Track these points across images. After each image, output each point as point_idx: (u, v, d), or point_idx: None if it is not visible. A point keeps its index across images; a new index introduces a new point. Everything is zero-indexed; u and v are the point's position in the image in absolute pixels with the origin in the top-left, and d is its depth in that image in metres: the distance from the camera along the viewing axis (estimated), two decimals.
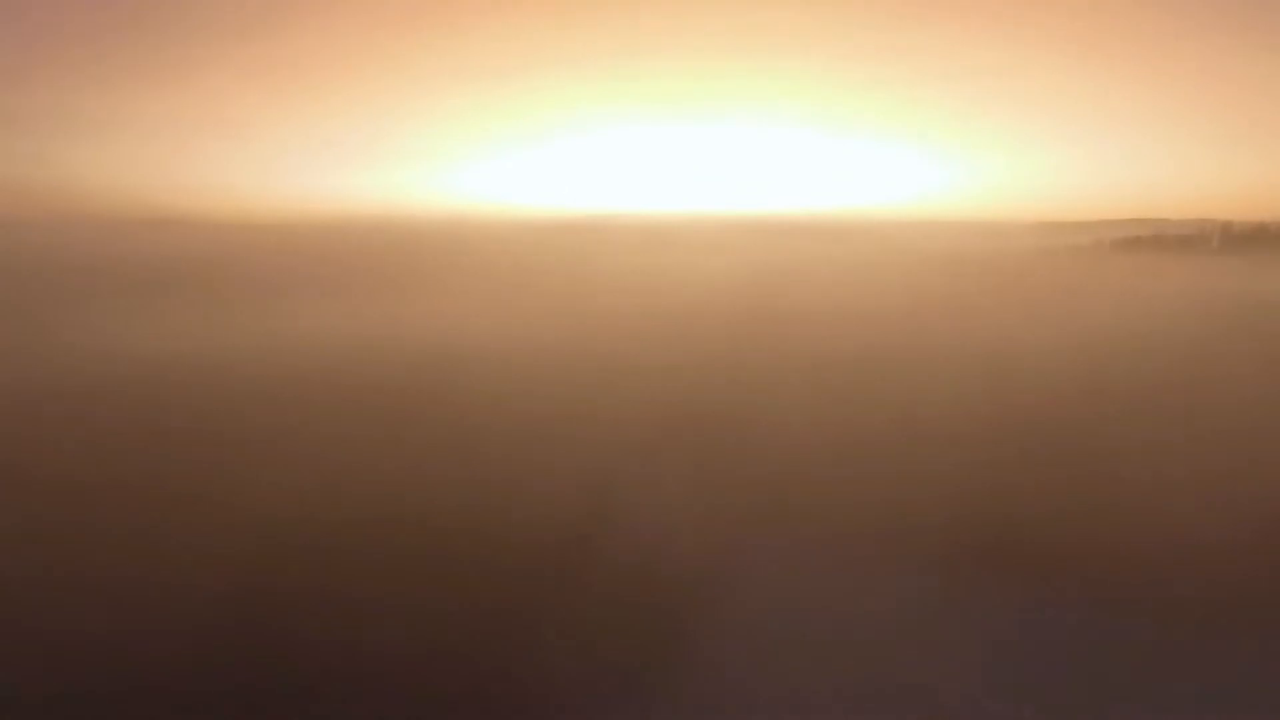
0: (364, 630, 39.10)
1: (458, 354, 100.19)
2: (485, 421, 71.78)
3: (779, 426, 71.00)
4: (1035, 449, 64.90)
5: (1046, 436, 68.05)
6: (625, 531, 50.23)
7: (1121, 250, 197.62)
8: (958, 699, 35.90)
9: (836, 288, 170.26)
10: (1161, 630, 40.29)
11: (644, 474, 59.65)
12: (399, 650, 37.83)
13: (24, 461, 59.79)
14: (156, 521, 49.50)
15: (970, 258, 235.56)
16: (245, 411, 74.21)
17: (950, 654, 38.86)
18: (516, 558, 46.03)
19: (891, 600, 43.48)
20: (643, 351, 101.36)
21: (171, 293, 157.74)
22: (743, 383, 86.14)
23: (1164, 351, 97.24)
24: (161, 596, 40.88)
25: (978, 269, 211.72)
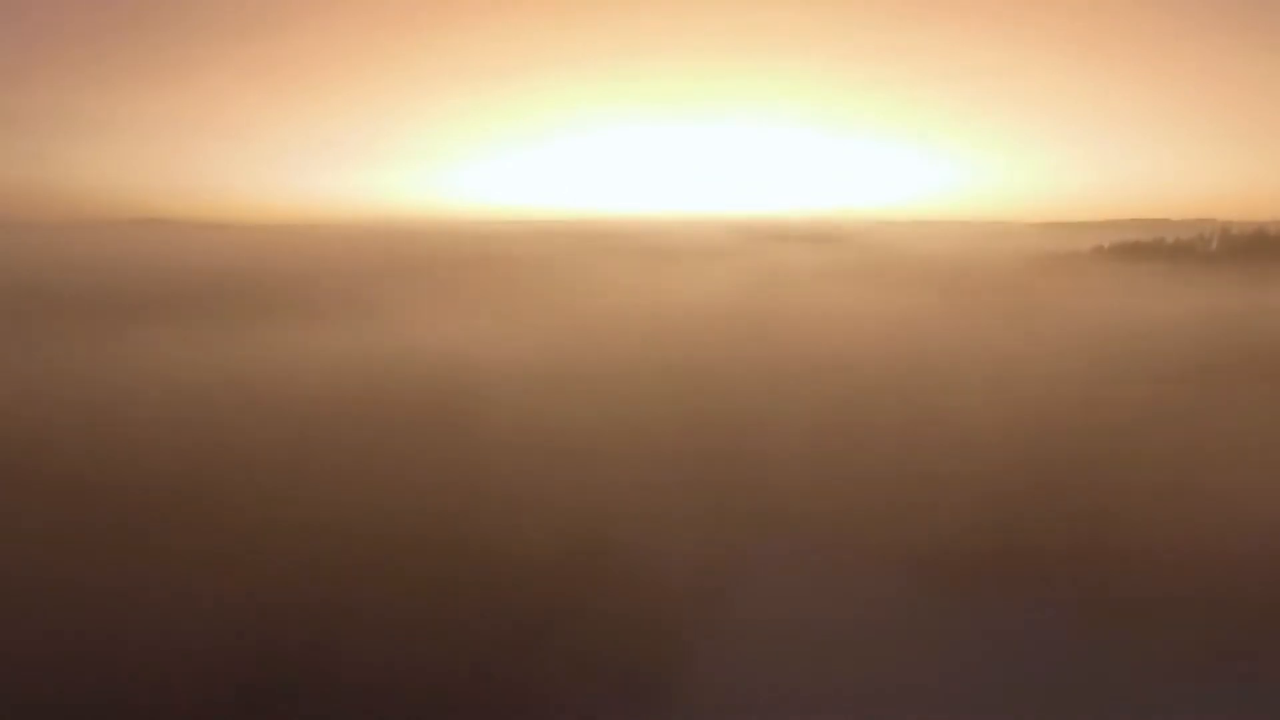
0: (387, 634, 39.30)
1: (458, 352, 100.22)
2: (485, 420, 71.78)
3: (780, 427, 71.01)
4: (1035, 449, 64.87)
5: (1047, 436, 67.98)
6: (628, 531, 50.24)
7: (1121, 251, 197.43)
8: (954, 704, 36.03)
9: (837, 288, 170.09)
10: (1157, 634, 40.41)
11: (644, 472, 59.64)
12: (415, 655, 38.07)
13: (14, 463, 59.82)
14: (153, 524, 49.61)
15: (970, 258, 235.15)
16: (245, 414, 74.28)
17: (949, 657, 38.95)
18: (523, 563, 46.11)
19: (893, 604, 43.58)
20: (642, 351, 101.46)
21: (171, 294, 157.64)
22: (743, 383, 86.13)
23: (1163, 353, 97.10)
24: (174, 603, 41.03)
25: (978, 269, 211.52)
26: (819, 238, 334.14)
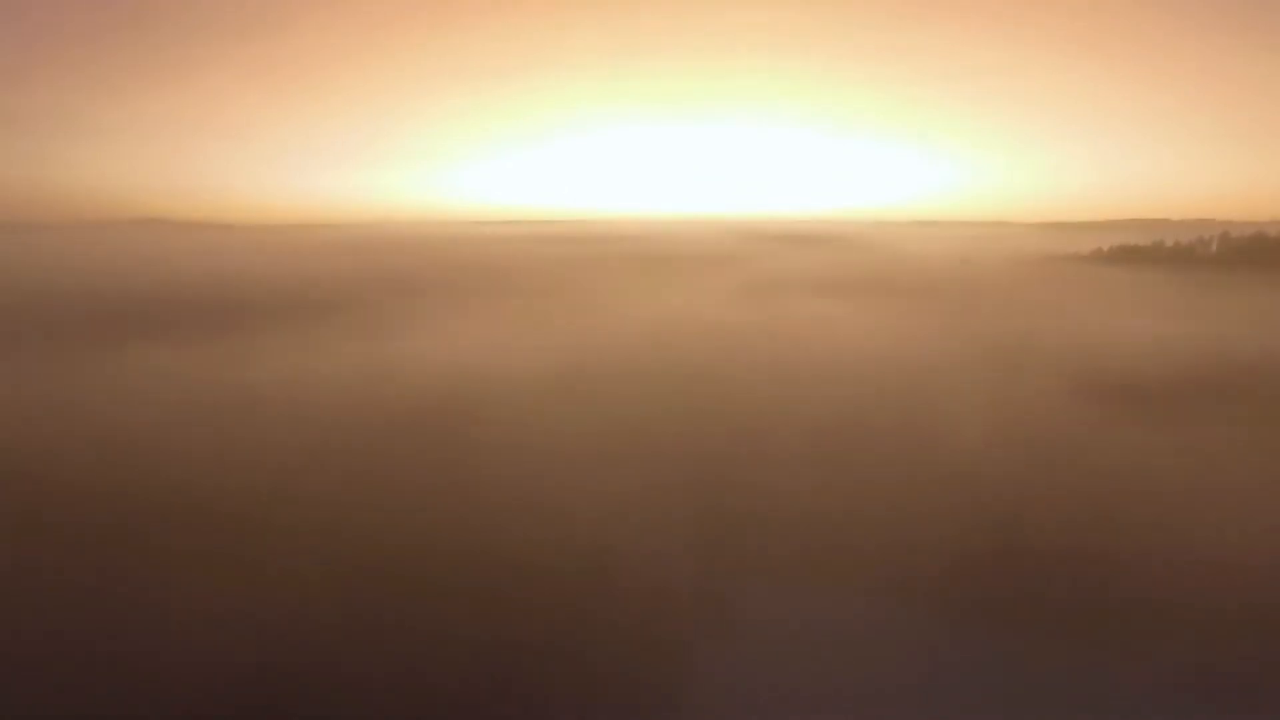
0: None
1: (458, 352, 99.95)
2: (485, 421, 71.43)
3: (781, 429, 70.66)
4: (1036, 450, 64.32)
5: (1047, 436, 67.51)
6: (621, 537, 50.09)
7: (1120, 255, 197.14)
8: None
9: (837, 288, 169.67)
10: (1157, 642, 40.31)
11: (642, 476, 59.42)
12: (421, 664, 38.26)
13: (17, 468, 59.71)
14: (156, 530, 49.60)
15: (967, 264, 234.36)
16: (250, 420, 74.16)
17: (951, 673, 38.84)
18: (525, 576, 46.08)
19: (892, 611, 43.43)
20: (642, 352, 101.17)
21: (173, 299, 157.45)
22: (743, 383, 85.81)
23: (1161, 354, 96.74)
24: (188, 615, 41.10)
25: (974, 277, 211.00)
26: (818, 240, 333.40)
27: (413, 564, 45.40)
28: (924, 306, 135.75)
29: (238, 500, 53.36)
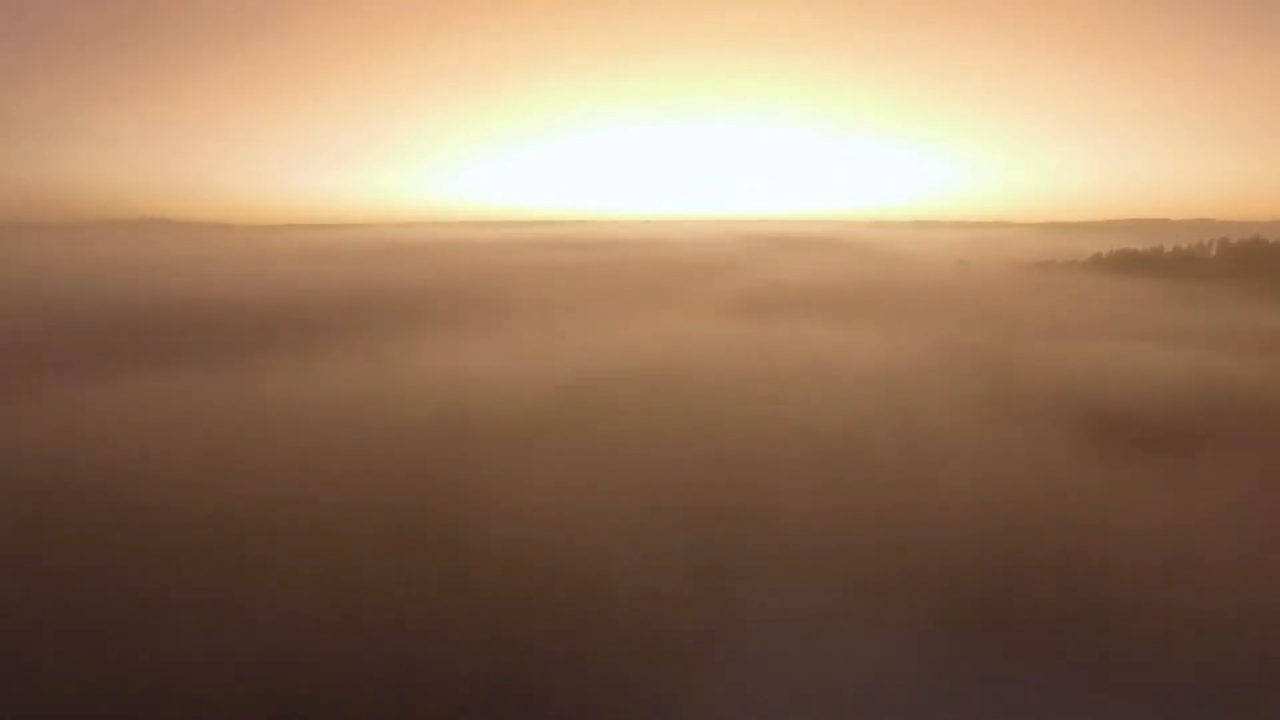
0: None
1: (455, 370, 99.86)
2: (484, 420, 71.51)
3: (781, 432, 70.53)
4: (1037, 453, 64.09)
5: (1047, 440, 67.15)
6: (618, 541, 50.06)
7: (1120, 261, 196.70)
8: None
9: (837, 288, 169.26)
10: (1160, 650, 40.32)
11: (640, 480, 59.37)
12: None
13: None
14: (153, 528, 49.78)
15: (970, 258, 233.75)
16: (243, 430, 74.28)
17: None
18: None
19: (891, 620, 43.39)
20: (642, 353, 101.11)
21: (168, 304, 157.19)
22: (743, 384, 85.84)
23: (1161, 355, 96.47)
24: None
25: (977, 269, 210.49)
26: (818, 242, 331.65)
27: (415, 571, 45.52)
28: (920, 319, 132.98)
29: (239, 508, 53.49)
